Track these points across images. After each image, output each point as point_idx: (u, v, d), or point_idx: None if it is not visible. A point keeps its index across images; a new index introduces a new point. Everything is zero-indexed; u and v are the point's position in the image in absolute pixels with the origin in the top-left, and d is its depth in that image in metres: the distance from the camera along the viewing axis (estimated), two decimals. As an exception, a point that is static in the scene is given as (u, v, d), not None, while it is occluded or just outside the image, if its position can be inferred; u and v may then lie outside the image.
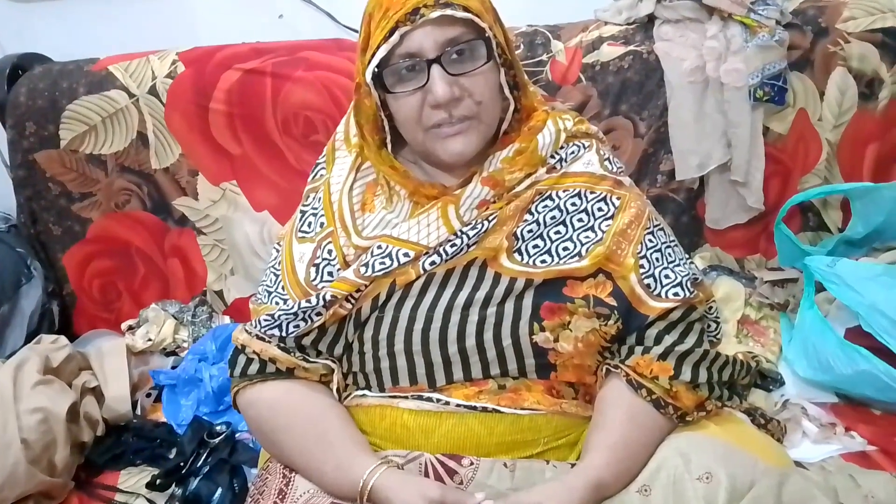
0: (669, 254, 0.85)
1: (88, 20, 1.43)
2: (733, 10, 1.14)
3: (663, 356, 0.79)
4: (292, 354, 0.82)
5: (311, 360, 0.83)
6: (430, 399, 0.79)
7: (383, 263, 0.80)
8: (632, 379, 0.78)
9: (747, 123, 1.16)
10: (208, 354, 1.24)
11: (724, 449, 0.74)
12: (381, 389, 0.82)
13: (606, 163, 0.88)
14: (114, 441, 1.12)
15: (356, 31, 1.38)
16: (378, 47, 0.76)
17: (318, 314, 0.81)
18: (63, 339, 1.17)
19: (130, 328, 1.33)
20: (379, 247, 0.81)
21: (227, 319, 1.36)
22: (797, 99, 1.20)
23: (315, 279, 0.83)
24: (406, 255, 0.80)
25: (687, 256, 0.91)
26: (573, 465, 0.77)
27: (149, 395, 1.23)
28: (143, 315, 1.35)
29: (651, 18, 1.21)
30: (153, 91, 1.28)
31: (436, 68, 0.76)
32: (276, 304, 0.84)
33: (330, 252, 0.84)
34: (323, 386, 0.84)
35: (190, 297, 1.37)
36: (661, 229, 0.87)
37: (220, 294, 1.37)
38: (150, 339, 1.29)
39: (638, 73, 1.21)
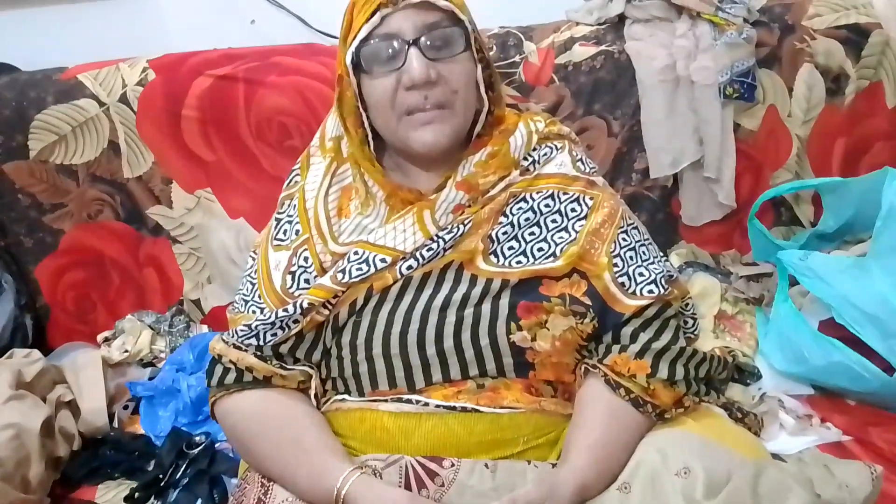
0: (643, 252, 0.86)
1: (56, 28, 1.41)
2: (701, 9, 1.15)
3: (640, 354, 0.79)
4: (269, 363, 0.82)
5: (289, 367, 0.83)
6: (409, 401, 0.79)
7: (360, 269, 0.80)
8: (610, 378, 0.79)
9: (718, 120, 1.17)
10: (186, 364, 1.23)
11: (701, 444, 0.74)
12: (361, 394, 0.82)
13: (579, 163, 0.89)
14: (90, 455, 1.10)
15: (329, 35, 1.40)
16: (360, 29, 0.77)
17: (296, 321, 0.81)
18: (36, 353, 1.15)
19: (106, 340, 1.31)
20: (356, 253, 0.81)
21: (204, 328, 1.35)
22: (767, 95, 1.22)
23: (291, 287, 0.83)
24: (383, 260, 0.80)
25: (661, 254, 0.92)
26: (553, 465, 0.78)
27: (126, 408, 1.21)
28: (118, 326, 1.33)
29: (621, 18, 1.22)
30: (124, 99, 1.26)
31: (413, 50, 0.77)
32: (253, 312, 0.84)
33: (306, 259, 0.84)
34: (300, 393, 0.84)
35: (166, 307, 1.35)
36: (635, 228, 0.88)
37: (197, 303, 1.35)
38: (126, 351, 1.28)
39: (610, 73, 1.21)
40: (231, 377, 0.82)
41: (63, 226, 1.32)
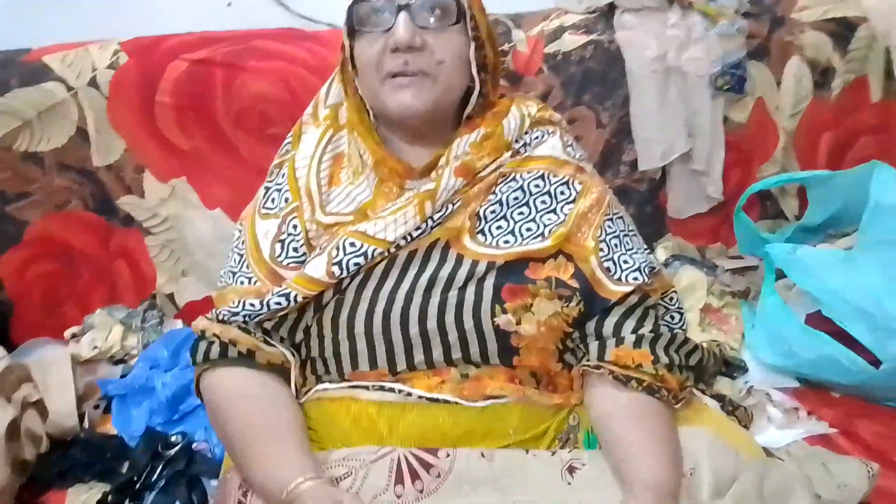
0: (627, 242, 0.86)
1: (19, 8, 1.34)
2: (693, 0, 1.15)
3: (637, 344, 0.79)
4: (253, 335, 0.80)
5: (272, 342, 0.81)
6: (391, 390, 0.78)
7: (357, 263, 0.78)
8: (617, 374, 0.77)
9: (708, 112, 1.17)
10: (160, 361, 1.18)
11: (710, 441, 0.74)
12: (340, 375, 0.80)
13: (569, 149, 0.89)
14: (59, 457, 1.04)
15: (310, 19, 1.36)
16: None
17: (282, 309, 0.79)
18: (0, 350, 1.09)
19: (74, 336, 1.25)
20: (352, 244, 0.79)
21: (178, 323, 1.30)
22: (755, 88, 1.22)
23: (280, 255, 0.82)
24: (381, 253, 0.79)
25: (645, 247, 0.92)
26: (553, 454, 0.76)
27: (97, 407, 1.15)
28: (87, 321, 1.27)
29: (612, 7, 1.21)
30: (93, 83, 1.20)
31: (403, 14, 0.77)
32: (242, 283, 0.83)
33: (295, 227, 0.83)
34: (283, 381, 0.82)
35: (139, 301, 1.30)
36: (621, 217, 0.88)
37: (171, 297, 1.30)
38: (96, 347, 1.22)
39: (600, 63, 1.20)
40: (215, 350, 0.80)
41: (28, 216, 1.26)
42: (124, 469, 1.01)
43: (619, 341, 0.79)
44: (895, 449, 0.97)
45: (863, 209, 1.06)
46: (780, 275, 1.17)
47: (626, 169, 1.25)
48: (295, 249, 0.82)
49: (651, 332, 0.80)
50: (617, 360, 0.78)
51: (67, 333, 1.26)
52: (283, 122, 1.22)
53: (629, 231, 0.88)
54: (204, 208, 1.26)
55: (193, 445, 1.05)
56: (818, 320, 1.09)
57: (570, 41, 1.20)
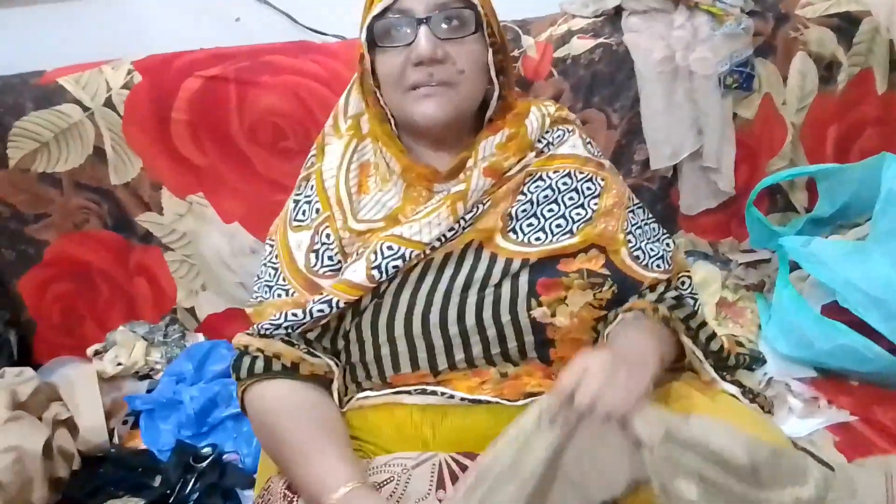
0: (648, 230, 0.90)
1: (30, 30, 1.35)
2: (699, 0, 1.16)
3: (658, 301, 0.83)
4: (297, 347, 0.81)
5: (316, 354, 0.82)
6: (434, 392, 0.79)
7: (396, 266, 0.80)
8: (622, 312, 0.82)
9: (718, 111, 1.18)
10: (185, 375, 1.19)
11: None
12: (382, 379, 0.82)
13: (589, 146, 0.92)
14: (91, 474, 1.06)
15: (317, 31, 1.37)
16: (375, 6, 0.80)
17: (325, 316, 0.80)
18: (29, 371, 1.10)
19: (97, 353, 1.26)
20: (389, 248, 0.80)
21: (200, 337, 1.31)
22: (762, 84, 1.23)
23: (316, 265, 0.83)
24: (418, 255, 0.81)
25: (664, 231, 0.95)
26: None
27: (125, 423, 1.17)
28: (110, 338, 1.28)
29: (618, 10, 1.22)
30: (109, 103, 1.21)
31: (423, 28, 0.79)
32: (279, 296, 0.84)
33: (328, 237, 0.84)
34: (325, 391, 0.83)
35: (159, 317, 1.31)
36: (641, 208, 0.93)
37: (191, 311, 1.31)
38: (120, 364, 1.23)
39: (608, 66, 1.21)
40: (260, 365, 0.81)
41: (47, 237, 1.27)
42: (156, 483, 1.03)
43: (641, 296, 0.84)
44: (915, 433, 0.98)
45: (872, 200, 1.07)
46: (794, 267, 1.18)
47: (638, 168, 1.26)
48: (330, 258, 0.83)
49: (674, 298, 0.84)
50: (633, 306, 0.82)
51: (89, 351, 1.27)
52: (296, 136, 1.23)
53: (648, 219, 0.92)
54: (221, 222, 1.27)
55: (224, 457, 1.06)
56: (833, 311, 1.10)
57: (579, 45, 1.21)
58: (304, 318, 0.80)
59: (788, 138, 1.26)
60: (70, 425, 1.08)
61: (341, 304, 0.79)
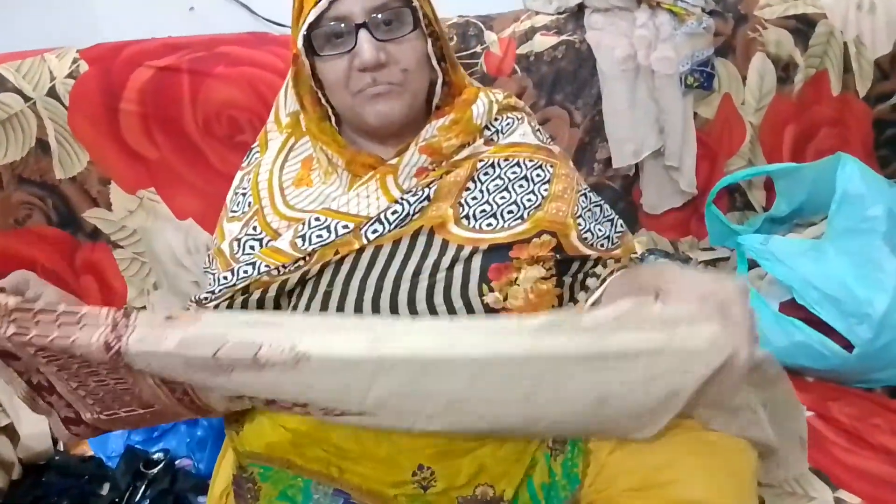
0: (597, 212, 0.91)
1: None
2: (660, -1, 1.16)
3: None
4: None
5: None
6: None
7: (321, 236, 0.79)
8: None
9: (679, 110, 1.19)
10: (136, 378, 1.15)
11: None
12: None
13: (538, 134, 0.92)
14: (33, 483, 1.01)
15: (275, 23, 1.34)
16: (309, 13, 0.77)
17: (248, 277, 0.78)
18: (-36, 376, 1.04)
19: (41, 356, 1.21)
20: (317, 219, 0.80)
21: (152, 338, 1.27)
22: (722, 84, 1.25)
23: (238, 252, 0.82)
24: (345, 227, 0.80)
25: (613, 214, 0.96)
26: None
27: (70, 429, 1.12)
28: (55, 340, 1.23)
29: (581, 7, 1.21)
30: (52, 93, 1.15)
31: (363, 32, 0.77)
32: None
33: (255, 228, 0.83)
34: None
35: (108, 317, 1.26)
36: (590, 191, 0.93)
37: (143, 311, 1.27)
38: (65, 367, 1.18)
39: (571, 63, 1.21)
40: None
41: (-14, 234, 1.21)
42: (105, 491, 0.99)
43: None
44: (870, 429, 1.00)
45: (828, 199, 1.09)
46: (752, 265, 1.20)
47: (600, 167, 1.26)
48: (251, 247, 0.82)
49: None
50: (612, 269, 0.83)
51: (33, 353, 1.21)
52: (253, 129, 1.20)
53: (598, 201, 0.93)
54: (174, 219, 1.23)
55: (176, 463, 1.03)
56: (791, 308, 1.12)
57: (542, 42, 1.21)
58: (233, 279, 0.78)
59: (747, 138, 1.28)
60: (10, 432, 1.03)
61: (262, 269, 0.78)
